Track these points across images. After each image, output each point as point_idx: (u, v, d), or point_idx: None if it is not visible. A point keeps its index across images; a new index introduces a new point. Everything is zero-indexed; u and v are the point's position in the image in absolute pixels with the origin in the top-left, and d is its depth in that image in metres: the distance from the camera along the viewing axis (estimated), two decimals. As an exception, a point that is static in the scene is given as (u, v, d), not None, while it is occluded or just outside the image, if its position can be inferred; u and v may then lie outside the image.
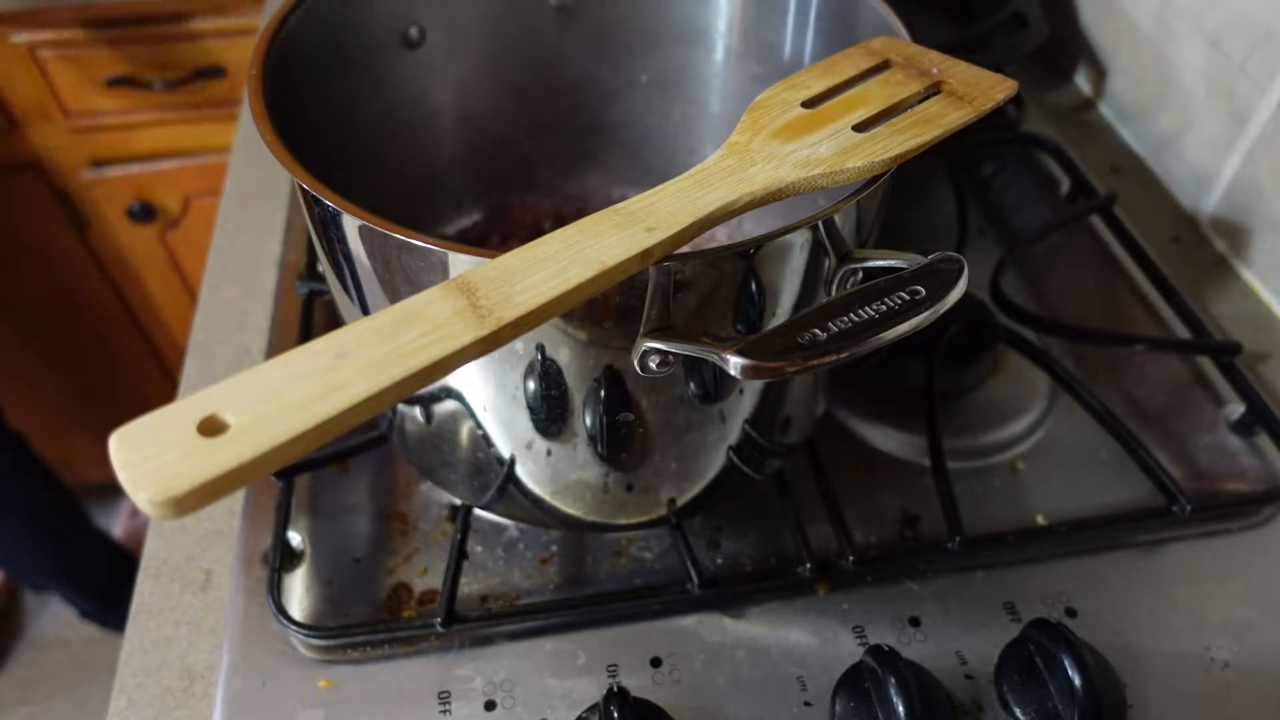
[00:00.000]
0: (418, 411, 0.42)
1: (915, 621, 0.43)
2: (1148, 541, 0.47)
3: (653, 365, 0.32)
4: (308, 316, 0.56)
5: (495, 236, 0.56)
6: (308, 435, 0.22)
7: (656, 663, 0.42)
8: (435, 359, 0.24)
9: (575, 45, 0.53)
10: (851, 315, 0.28)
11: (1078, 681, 0.38)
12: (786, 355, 0.27)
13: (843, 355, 0.27)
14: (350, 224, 0.33)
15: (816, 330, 0.27)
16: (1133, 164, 0.70)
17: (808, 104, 0.34)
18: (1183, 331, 0.56)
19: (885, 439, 0.53)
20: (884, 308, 0.28)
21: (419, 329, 0.25)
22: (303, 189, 0.33)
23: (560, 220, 0.56)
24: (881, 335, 0.27)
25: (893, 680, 0.38)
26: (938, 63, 0.36)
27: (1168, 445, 0.52)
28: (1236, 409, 0.52)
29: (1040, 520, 0.49)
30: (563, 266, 0.27)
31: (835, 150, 0.31)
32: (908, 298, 0.28)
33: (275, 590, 0.43)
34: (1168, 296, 0.57)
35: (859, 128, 0.33)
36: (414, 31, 0.48)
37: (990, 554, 0.46)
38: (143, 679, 0.43)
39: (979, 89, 0.34)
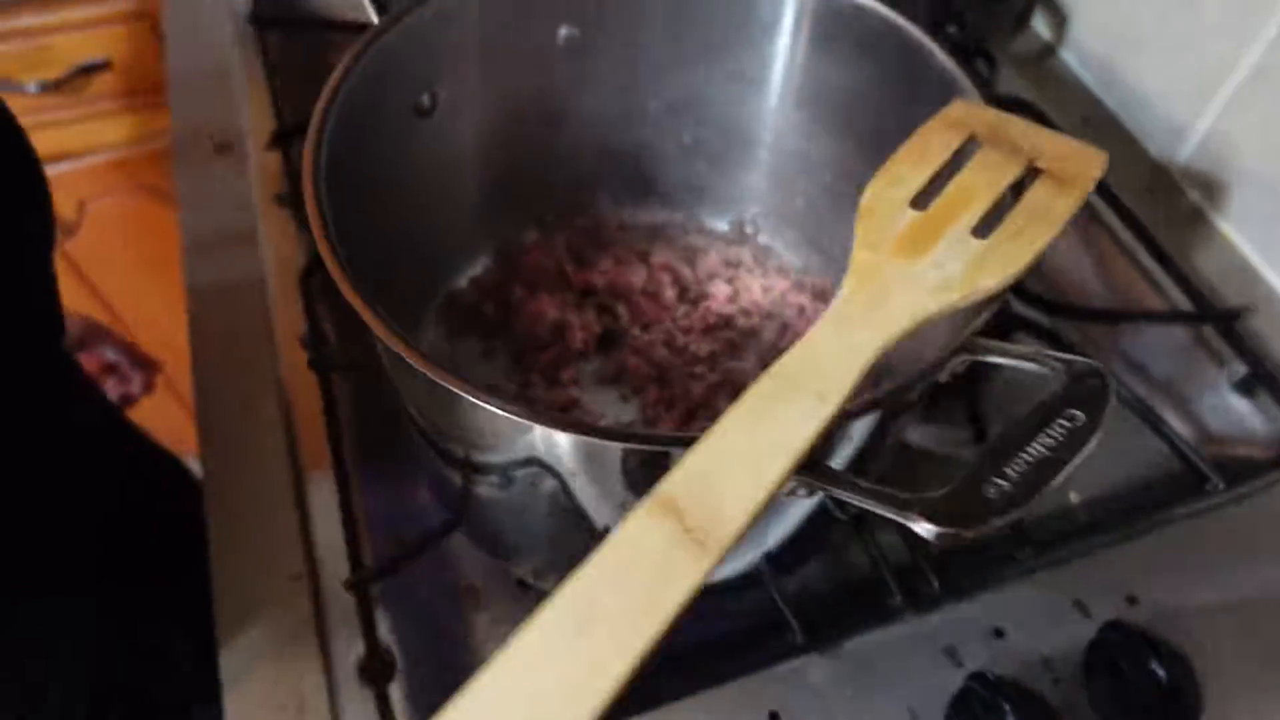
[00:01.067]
0: (498, 486, 0.41)
1: (999, 633, 0.46)
2: (1185, 515, 0.51)
3: (800, 494, 0.32)
4: (329, 395, 0.53)
5: (517, 285, 0.53)
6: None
7: (775, 717, 0.44)
8: (678, 605, 0.23)
9: (584, 76, 0.50)
10: (1024, 456, 0.28)
11: (1161, 676, 0.42)
12: (980, 518, 0.27)
13: (1029, 505, 0.28)
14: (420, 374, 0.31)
15: (997, 480, 0.28)
16: (1101, 114, 0.71)
17: (914, 202, 0.33)
18: (1176, 293, 0.59)
19: (926, 437, 0.55)
20: (1051, 441, 0.29)
21: (646, 571, 0.24)
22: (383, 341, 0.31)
23: (581, 262, 0.54)
24: (1061, 474, 0.28)
25: (1003, 705, 0.41)
26: (1022, 134, 0.35)
27: (1176, 409, 0.56)
28: (1238, 370, 0.56)
29: (1074, 498, 0.52)
30: (755, 463, 0.26)
31: (965, 265, 0.31)
32: (1069, 424, 0.29)
33: (385, 709, 0.43)
34: (1160, 260, 0.59)
35: (977, 231, 0.32)
36: (425, 99, 0.44)
37: (1049, 554, 0.49)
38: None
39: (1074, 165, 0.34)
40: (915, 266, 0.31)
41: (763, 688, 0.45)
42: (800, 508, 0.43)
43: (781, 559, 0.47)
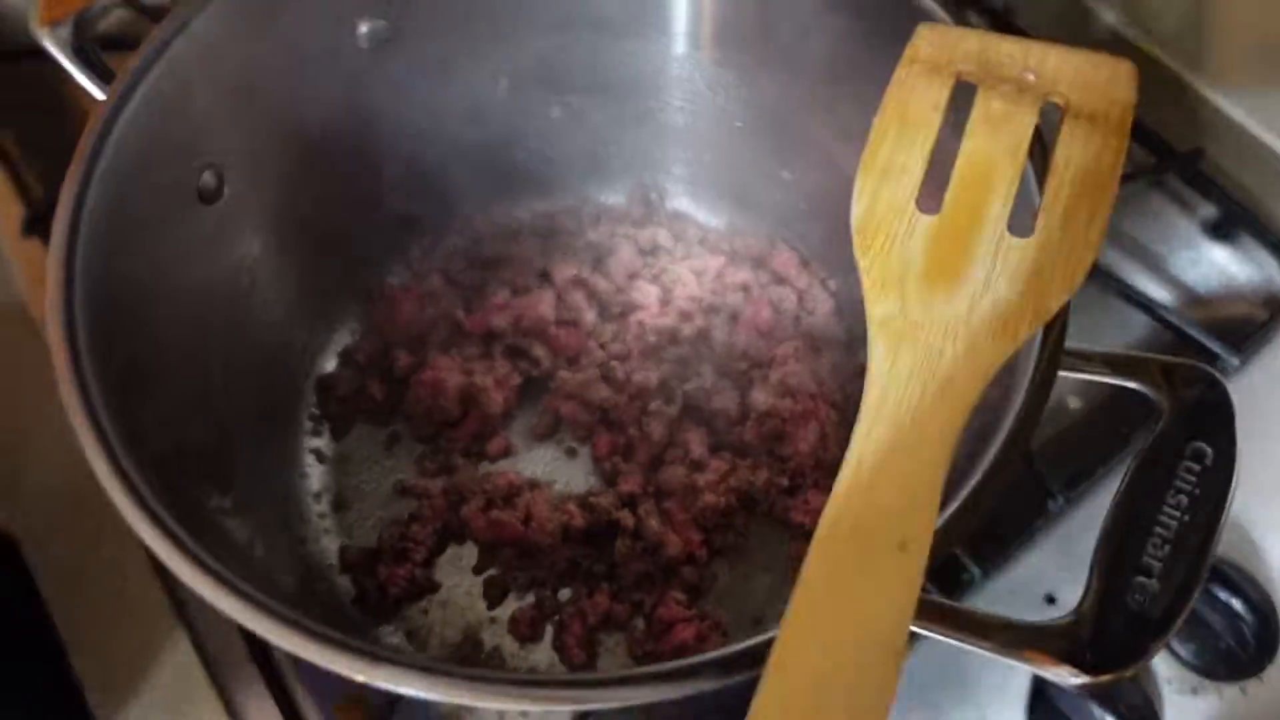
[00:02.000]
0: None
1: (1051, 599, 0.41)
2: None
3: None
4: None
5: (399, 352, 0.42)
6: None
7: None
8: None
9: (402, 75, 0.38)
10: (1159, 532, 0.21)
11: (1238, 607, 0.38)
12: (1139, 645, 0.20)
13: (1194, 597, 0.21)
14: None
15: (1141, 578, 0.21)
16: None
17: (921, 202, 0.25)
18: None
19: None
20: (1185, 499, 0.22)
21: None
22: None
23: (470, 299, 0.43)
24: (1214, 542, 0.21)
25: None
26: (1021, 59, 0.27)
27: (1156, 274, 0.51)
28: (1210, 213, 0.51)
29: (1072, 403, 0.47)
30: (853, 688, 0.18)
31: (1019, 281, 0.23)
32: (1197, 466, 0.22)
33: None
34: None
35: (1013, 223, 0.24)
36: (208, 177, 0.32)
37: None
38: None
39: (1099, 92, 0.26)
40: (955, 302, 0.23)
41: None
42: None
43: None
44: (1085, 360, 0.25)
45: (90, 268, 0.28)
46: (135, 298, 0.30)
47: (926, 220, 0.24)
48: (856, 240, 0.24)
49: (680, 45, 0.41)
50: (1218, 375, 0.23)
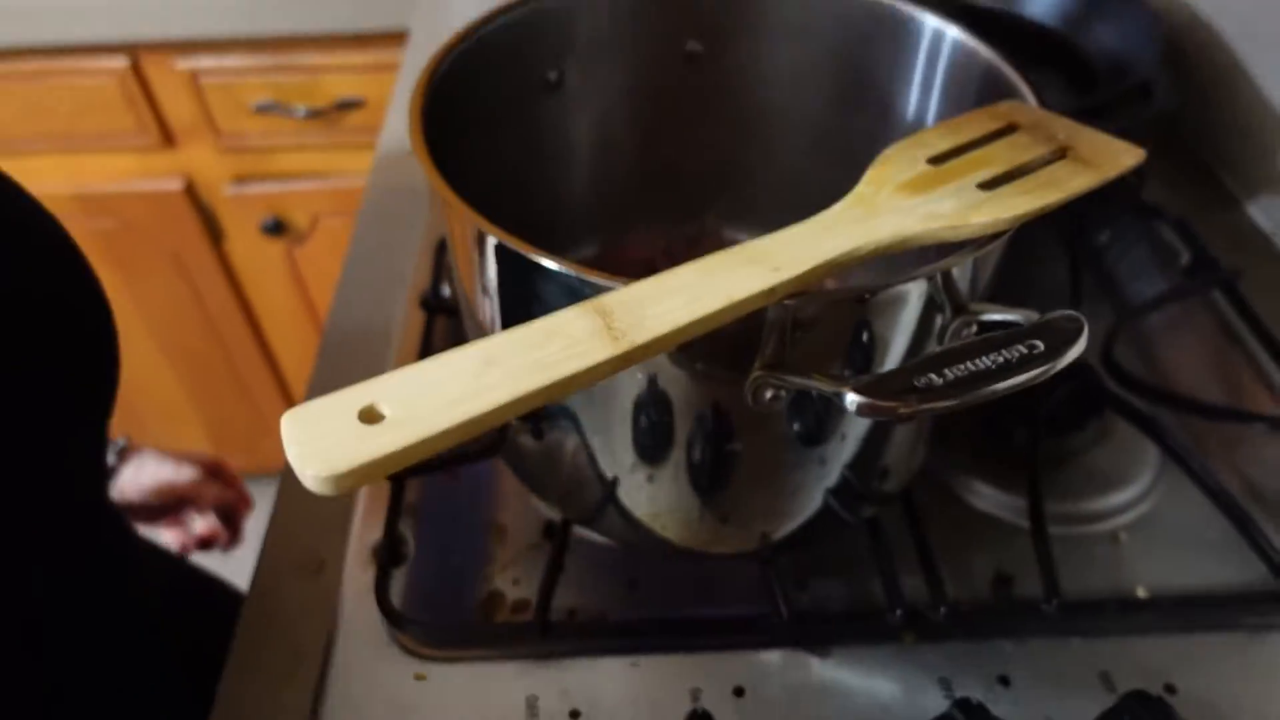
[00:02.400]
0: (530, 429, 0.44)
1: (1005, 681, 0.43)
2: (1257, 625, 0.45)
3: (765, 396, 0.33)
4: (429, 333, 0.59)
5: (610, 267, 0.58)
6: (454, 431, 0.24)
7: (740, 692, 0.43)
8: (572, 372, 0.26)
9: (702, 90, 0.56)
10: (969, 364, 0.29)
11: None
12: (902, 396, 0.28)
13: (956, 402, 0.28)
14: (487, 240, 0.35)
15: (933, 375, 0.28)
16: (1258, 240, 0.68)
17: (933, 161, 0.35)
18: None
19: (984, 498, 0.53)
20: (1001, 359, 0.29)
21: (559, 344, 0.27)
22: (449, 206, 0.36)
23: (673, 259, 0.58)
24: (996, 386, 0.28)
25: (981, 739, 0.38)
26: (1064, 129, 0.37)
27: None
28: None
29: (1141, 593, 0.48)
30: (692, 297, 0.29)
31: (960, 206, 0.33)
32: (1025, 351, 0.29)
33: (382, 585, 0.46)
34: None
35: (984, 186, 0.34)
36: (553, 75, 0.52)
37: (1087, 620, 0.45)
38: (254, 654, 0.46)
39: (1106, 155, 0.35)
40: (911, 201, 0.33)
41: (737, 665, 0.44)
42: (809, 502, 0.43)
43: (786, 548, 0.46)
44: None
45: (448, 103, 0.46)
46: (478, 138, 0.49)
47: (926, 167, 0.35)
48: (874, 163, 0.35)
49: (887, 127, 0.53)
50: (1082, 318, 0.30)
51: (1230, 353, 0.60)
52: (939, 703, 0.42)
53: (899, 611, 0.44)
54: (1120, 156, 0.35)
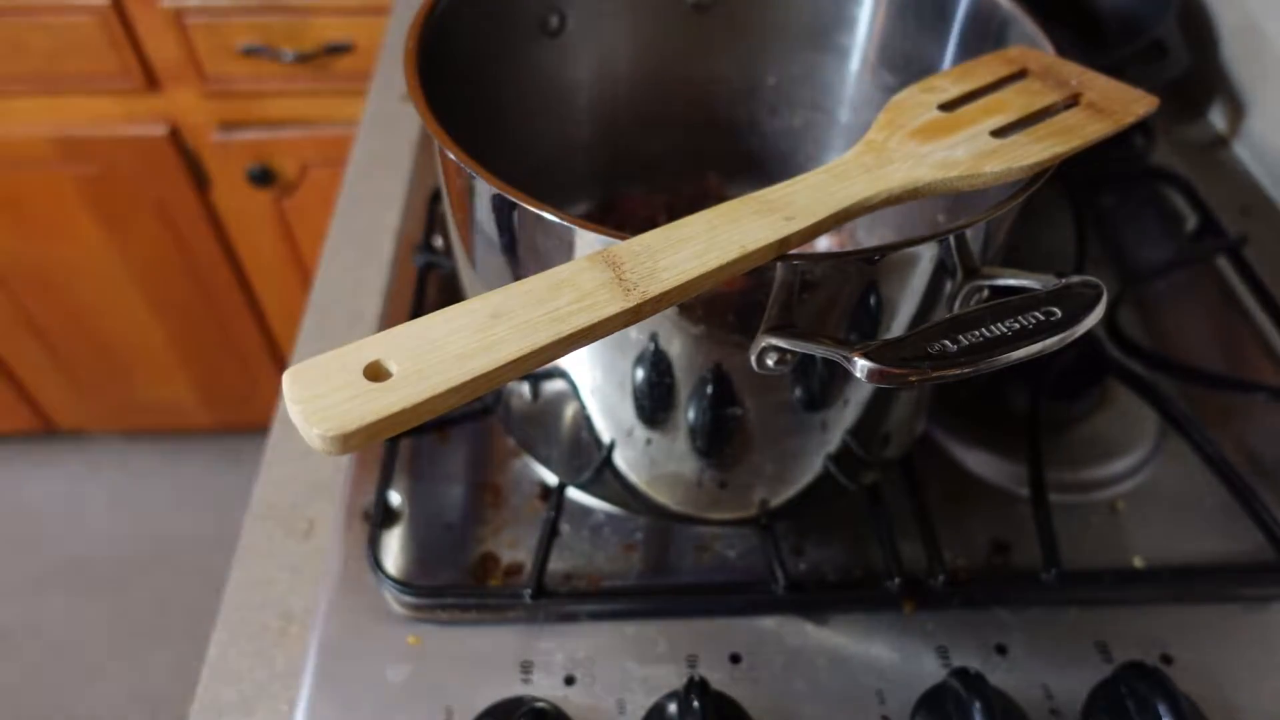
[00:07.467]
0: (526, 388, 0.43)
1: (1002, 650, 0.43)
2: (1255, 597, 0.45)
3: (769, 362, 0.32)
4: (422, 287, 0.58)
5: (609, 224, 0.57)
6: (463, 388, 0.23)
7: (736, 659, 0.42)
8: (584, 325, 0.25)
9: (707, 43, 0.54)
10: (983, 330, 0.28)
11: (1171, 730, 0.37)
12: (914, 363, 0.27)
13: (969, 370, 0.27)
14: (484, 191, 0.34)
15: (946, 342, 0.27)
16: (1265, 206, 0.67)
17: (944, 107, 0.34)
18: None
19: (982, 464, 0.52)
20: (1017, 326, 0.28)
21: (568, 296, 0.25)
22: (445, 155, 0.34)
23: (673, 214, 0.57)
24: (1011, 354, 0.27)
25: (978, 704, 0.37)
26: (1076, 74, 0.35)
27: (1281, 499, 0.50)
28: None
29: (1138, 563, 0.47)
30: (704, 248, 0.28)
31: (972, 154, 0.31)
32: (1042, 318, 0.28)
33: (374, 546, 0.45)
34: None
35: (997, 133, 0.32)
36: (554, 20, 0.49)
37: (1086, 590, 0.45)
38: (244, 615, 0.45)
39: (1119, 102, 0.34)
40: (924, 148, 0.32)
41: (734, 631, 0.44)
42: (809, 467, 0.42)
43: (784, 514, 0.46)
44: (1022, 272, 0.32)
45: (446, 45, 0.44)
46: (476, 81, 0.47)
47: (938, 113, 0.33)
48: (885, 108, 0.34)
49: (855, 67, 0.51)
50: (1100, 284, 0.29)
51: (1234, 321, 0.59)
52: (936, 671, 0.42)
53: (897, 579, 0.44)
54: (1133, 104, 0.34)
